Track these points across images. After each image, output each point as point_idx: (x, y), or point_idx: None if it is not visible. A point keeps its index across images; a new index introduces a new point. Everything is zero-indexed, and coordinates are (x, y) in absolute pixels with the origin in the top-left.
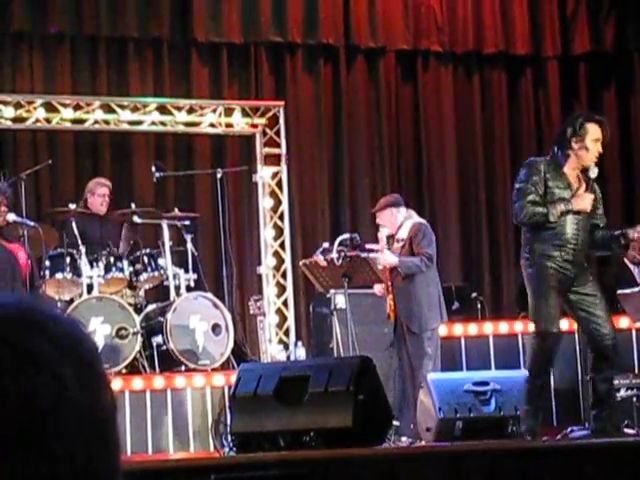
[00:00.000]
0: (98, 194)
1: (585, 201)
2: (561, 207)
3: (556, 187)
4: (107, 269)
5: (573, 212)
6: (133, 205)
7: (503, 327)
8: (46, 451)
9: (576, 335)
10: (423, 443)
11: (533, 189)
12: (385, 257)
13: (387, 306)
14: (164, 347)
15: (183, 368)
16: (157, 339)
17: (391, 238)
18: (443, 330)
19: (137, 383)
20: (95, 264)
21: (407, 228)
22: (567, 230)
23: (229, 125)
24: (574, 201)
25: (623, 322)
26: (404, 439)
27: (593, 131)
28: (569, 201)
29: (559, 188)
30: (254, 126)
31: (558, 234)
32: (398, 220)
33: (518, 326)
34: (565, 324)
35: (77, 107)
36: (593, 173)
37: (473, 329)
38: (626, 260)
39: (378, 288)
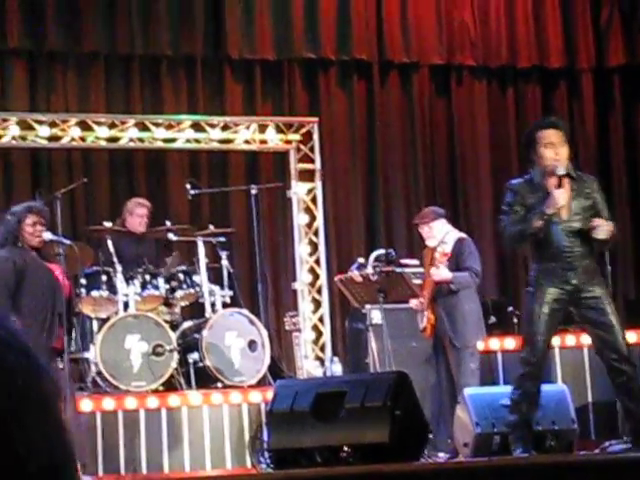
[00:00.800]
0: (137, 214)
1: (555, 199)
2: (535, 217)
3: (536, 202)
4: (143, 287)
5: (559, 220)
6: (168, 223)
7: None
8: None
9: None
10: (460, 458)
11: (511, 210)
12: (440, 272)
13: (424, 320)
14: (200, 364)
15: (219, 385)
16: (193, 356)
17: (431, 251)
18: (480, 345)
19: (174, 400)
20: (131, 282)
21: (451, 242)
22: (556, 239)
23: (263, 142)
24: (545, 204)
25: None
26: (441, 454)
27: (542, 136)
28: (541, 207)
29: (538, 202)
30: (288, 142)
31: (549, 244)
32: (442, 233)
33: (555, 340)
34: None
35: (112, 125)
36: (560, 170)
37: (510, 343)
38: None
39: (415, 302)
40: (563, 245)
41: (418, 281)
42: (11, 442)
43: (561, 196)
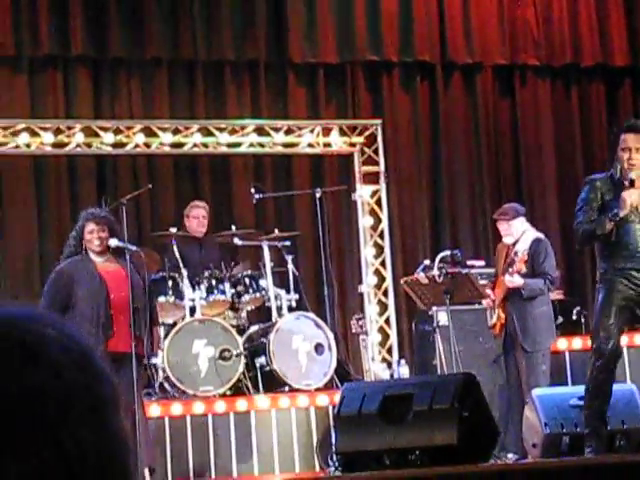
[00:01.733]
0: (193, 216)
1: (624, 200)
2: (607, 218)
3: (612, 200)
4: (209, 291)
5: (634, 220)
6: (233, 227)
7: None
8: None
9: None
10: (530, 459)
11: (587, 207)
12: (514, 280)
13: (494, 317)
14: (267, 368)
15: (287, 388)
16: (260, 360)
17: (507, 248)
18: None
19: (241, 404)
20: (197, 287)
21: (528, 241)
22: (632, 239)
23: (327, 145)
24: (618, 205)
25: None
26: (510, 455)
27: (622, 141)
28: (614, 209)
29: (616, 200)
30: (352, 145)
31: (624, 245)
32: (519, 232)
33: (623, 339)
34: None
35: (176, 131)
36: (631, 175)
37: (577, 343)
38: None
39: (486, 300)
40: (637, 246)
41: (484, 282)
42: (59, 441)
43: (630, 197)
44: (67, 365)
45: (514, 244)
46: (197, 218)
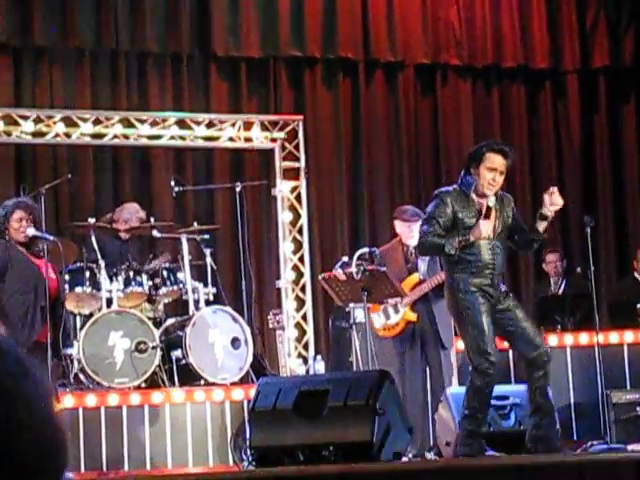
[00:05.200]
0: (123, 219)
1: (479, 230)
2: (457, 239)
3: (466, 217)
4: (126, 283)
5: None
6: (152, 219)
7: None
8: None
9: (596, 349)
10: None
11: (435, 221)
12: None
13: (397, 318)
14: (183, 361)
15: (202, 382)
16: (176, 353)
17: (402, 248)
18: (461, 345)
19: (156, 397)
20: (114, 278)
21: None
22: (483, 257)
23: (248, 139)
24: (471, 232)
25: None
26: (427, 454)
27: (489, 159)
28: (466, 233)
29: (468, 217)
30: (273, 140)
31: (474, 261)
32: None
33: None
34: (585, 338)
35: (97, 121)
36: (491, 202)
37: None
38: (636, 274)
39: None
40: (489, 261)
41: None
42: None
43: (485, 229)
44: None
45: (407, 247)
46: (126, 222)
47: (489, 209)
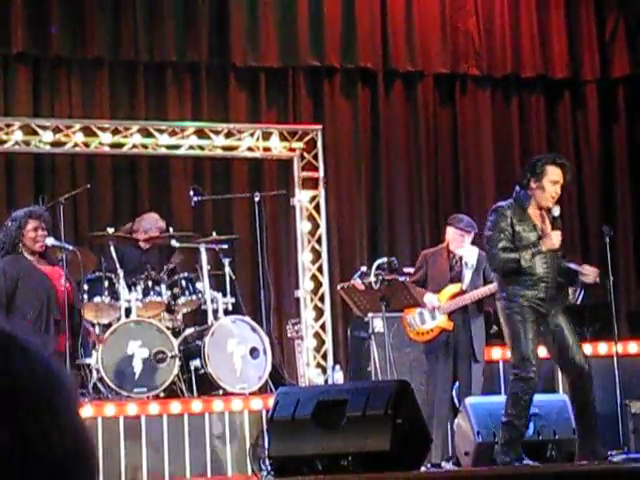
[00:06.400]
0: (143, 229)
1: (553, 240)
2: (531, 251)
3: (523, 230)
4: (145, 293)
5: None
6: (171, 229)
7: (541, 352)
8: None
9: (615, 359)
10: (461, 467)
11: (502, 236)
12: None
13: (434, 323)
14: (202, 371)
15: (221, 392)
16: (195, 363)
17: (448, 256)
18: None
19: (175, 407)
20: (133, 288)
21: (475, 253)
22: (538, 270)
23: (267, 149)
24: (543, 242)
25: None
26: (443, 463)
27: (552, 173)
28: (537, 243)
29: (525, 231)
30: (292, 150)
31: (530, 275)
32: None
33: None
34: (604, 348)
35: (115, 131)
36: (556, 211)
37: (509, 353)
38: None
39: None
40: (543, 275)
41: (419, 289)
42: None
43: (557, 239)
44: (27, 368)
45: (453, 255)
46: (146, 232)
47: (555, 219)
